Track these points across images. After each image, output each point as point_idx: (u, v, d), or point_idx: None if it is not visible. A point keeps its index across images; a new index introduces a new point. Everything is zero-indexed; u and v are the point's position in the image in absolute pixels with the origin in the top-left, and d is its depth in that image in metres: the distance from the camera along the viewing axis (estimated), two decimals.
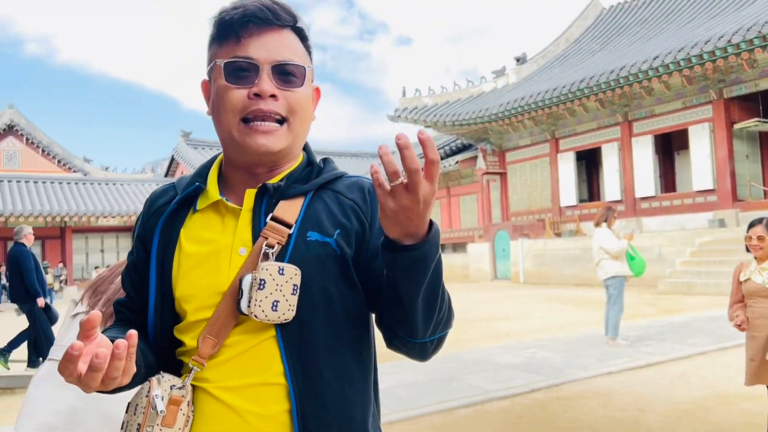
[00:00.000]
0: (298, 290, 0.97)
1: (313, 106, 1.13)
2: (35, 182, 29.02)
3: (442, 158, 26.12)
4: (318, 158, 1.16)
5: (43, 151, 32.47)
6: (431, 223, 0.92)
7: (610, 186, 19.72)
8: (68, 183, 29.82)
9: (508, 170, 23.53)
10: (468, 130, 22.94)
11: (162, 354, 1.08)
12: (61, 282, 25.05)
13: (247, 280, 0.96)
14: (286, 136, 1.04)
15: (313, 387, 0.99)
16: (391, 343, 1.07)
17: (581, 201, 21.40)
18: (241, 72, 1.03)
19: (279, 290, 0.95)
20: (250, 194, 1.06)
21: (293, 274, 0.97)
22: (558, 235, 20.21)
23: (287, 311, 0.96)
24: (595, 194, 22.66)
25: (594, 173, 22.99)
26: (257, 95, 1.02)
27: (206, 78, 1.12)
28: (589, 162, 22.59)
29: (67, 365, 0.82)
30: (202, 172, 1.13)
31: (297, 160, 1.13)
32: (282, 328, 0.99)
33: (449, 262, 25.30)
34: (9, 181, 28.35)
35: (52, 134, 41.56)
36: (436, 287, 0.97)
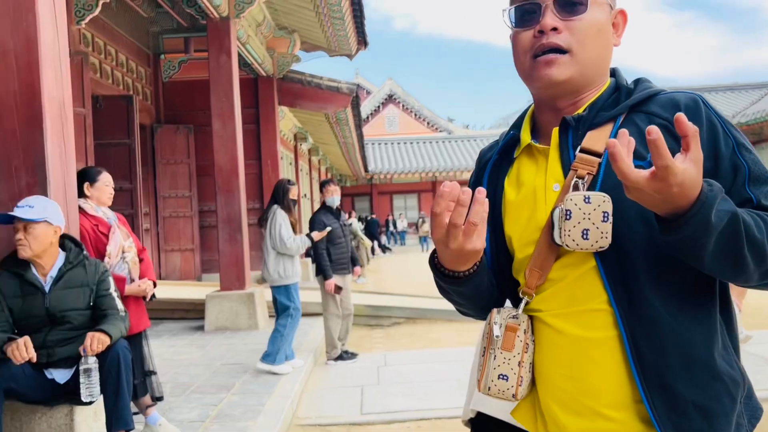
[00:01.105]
0: (610, 217, 0.94)
1: (616, 30, 1.12)
2: (410, 143, 33.50)
3: None
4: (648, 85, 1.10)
5: (415, 115, 37.00)
6: (700, 197, 0.85)
7: None
8: (436, 142, 33.57)
9: None
10: None
11: (504, 294, 1.16)
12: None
13: (557, 212, 0.99)
14: (569, 65, 1.04)
15: (641, 313, 0.97)
16: None
17: None
18: (527, 15, 1.07)
19: (587, 219, 0.94)
20: (555, 132, 1.08)
21: (601, 201, 0.94)
22: None
23: (600, 239, 0.94)
24: None
25: None
26: (541, 32, 1.05)
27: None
28: None
29: (439, 200, 0.93)
30: (518, 123, 1.18)
31: (601, 88, 1.10)
32: (602, 258, 0.98)
33: None
34: (391, 144, 33.40)
35: (420, 98, 46.83)
36: (735, 249, 0.90)
